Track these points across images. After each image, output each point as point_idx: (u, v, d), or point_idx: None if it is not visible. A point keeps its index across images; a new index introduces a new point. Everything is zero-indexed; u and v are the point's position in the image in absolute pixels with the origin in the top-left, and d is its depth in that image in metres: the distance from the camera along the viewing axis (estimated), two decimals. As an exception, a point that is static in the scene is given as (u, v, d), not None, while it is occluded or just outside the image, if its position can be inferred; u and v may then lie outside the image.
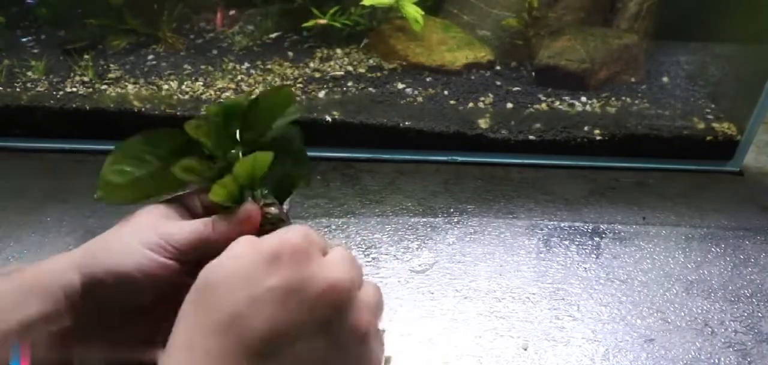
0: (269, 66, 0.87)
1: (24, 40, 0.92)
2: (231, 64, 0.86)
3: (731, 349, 0.52)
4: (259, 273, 0.30)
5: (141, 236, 0.34)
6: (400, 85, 0.83)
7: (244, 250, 0.32)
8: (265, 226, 0.37)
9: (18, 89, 0.80)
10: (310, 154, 0.42)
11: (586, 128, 0.77)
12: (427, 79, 0.85)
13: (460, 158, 0.76)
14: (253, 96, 0.41)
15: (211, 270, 0.31)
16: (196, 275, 0.31)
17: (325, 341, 0.31)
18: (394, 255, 0.61)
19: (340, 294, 0.31)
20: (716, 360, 0.50)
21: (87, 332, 0.34)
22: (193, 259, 0.34)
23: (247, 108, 0.40)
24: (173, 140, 0.39)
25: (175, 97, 0.79)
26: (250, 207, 0.36)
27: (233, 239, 0.33)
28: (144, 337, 0.34)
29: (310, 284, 0.31)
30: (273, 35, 0.93)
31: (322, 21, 0.88)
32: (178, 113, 0.75)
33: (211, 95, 0.80)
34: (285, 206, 0.39)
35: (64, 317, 0.33)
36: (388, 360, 0.51)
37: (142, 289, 0.33)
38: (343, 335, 0.31)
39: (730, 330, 0.53)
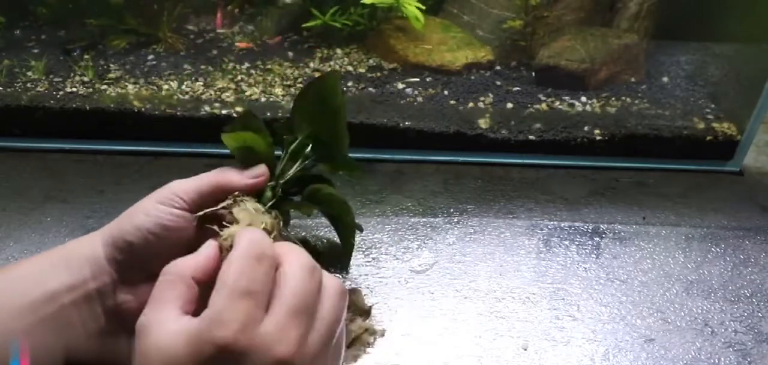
0: (269, 66, 0.87)
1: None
2: (231, 64, 0.86)
3: (731, 349, 0.52)
4: None
5: (156, 196, 0.39)
6: (400, 86, 0.83)
7: (185, 343, 0.30)
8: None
9: (18, 89, 0.80)
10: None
11: (586, 128, 0.77)
12: (427, 79, 0.85)
13: (460, 158, 0.76)
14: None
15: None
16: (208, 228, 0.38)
17: None
18: (394, 255, 0.61)
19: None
20: (716, 360, 0.51)
21: (121, 288, 0.39)
22: (201, 210, 0.39)
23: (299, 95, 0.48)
24: None
25: (175, 97, 0.79)
26: (230, 172, 0.42)
27: (222, 190, 0.40)
28: None
29: None
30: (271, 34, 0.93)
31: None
32: (178, 113, 0.75)
33: (211, 94, 0.80)
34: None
35: (88, 283, 0.37)
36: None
37: (161, 241, 0.38)
38: None
39: (730, 330, 0.53)
